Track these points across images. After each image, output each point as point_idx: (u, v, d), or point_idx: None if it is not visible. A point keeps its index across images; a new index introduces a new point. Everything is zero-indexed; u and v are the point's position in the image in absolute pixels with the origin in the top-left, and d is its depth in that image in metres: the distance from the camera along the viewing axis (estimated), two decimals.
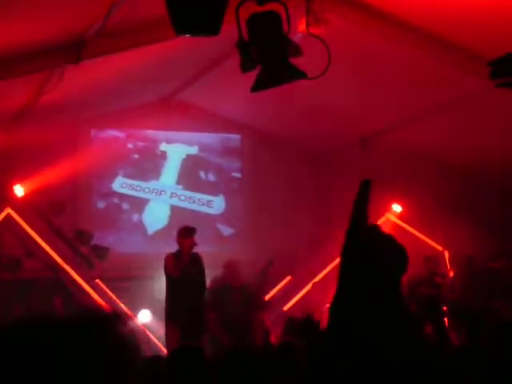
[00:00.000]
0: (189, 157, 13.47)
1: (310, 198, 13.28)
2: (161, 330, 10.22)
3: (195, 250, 9.55)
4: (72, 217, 12.03)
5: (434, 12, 7.83)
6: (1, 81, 8.15)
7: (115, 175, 13.02)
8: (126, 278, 11.83)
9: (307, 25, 6.25)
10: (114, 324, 1.40)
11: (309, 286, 12.43)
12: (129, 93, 11.25)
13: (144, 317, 11.75)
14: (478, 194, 11.01)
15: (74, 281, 11.49)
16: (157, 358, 4.95)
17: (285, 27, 5.46)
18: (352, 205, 2.79)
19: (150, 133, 13.36)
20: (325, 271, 12.51)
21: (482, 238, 10.91)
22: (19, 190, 11.43)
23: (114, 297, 11.62)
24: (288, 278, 12.63)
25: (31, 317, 1.41)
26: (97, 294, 11.54)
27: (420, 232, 12.45)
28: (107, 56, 8.34)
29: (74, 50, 7.89)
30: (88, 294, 11.46)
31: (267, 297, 11.68)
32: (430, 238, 12.44)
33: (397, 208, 12.75)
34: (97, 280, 11.70)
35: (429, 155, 11.23)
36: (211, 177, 13.67)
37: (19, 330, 1.37)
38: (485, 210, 10.96)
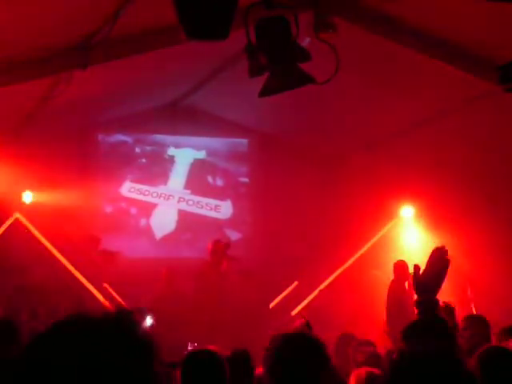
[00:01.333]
0: (196, 161, 13.47)
1: (317, 202, 13.25)
2: None
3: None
4: (80, 221, 12.04)
5: (442, 17, 7.81)
6: (9, 86, 8.16)
7: (123, 180, 13.03)
8: (133, 282, 11.82)
9: (315, 29, 6.24)
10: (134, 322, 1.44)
11: (315, 293, 12.38)
12: (136, 97, 11.27)
13: (152, 321, 11.73)
14: (489, 196, 10.93)
15: (82, 285, 11.49)
16: (171, 363, 4.95)
17: (293, 32, 5.44)
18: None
19: (158, 137, 13.37)
20: (331, 278, 12.48)
21: (497, 240, 10.83)
22: (28, 196, 11.46)
23: (121, 301, 11.60)
24: (295, 283, 12.58)
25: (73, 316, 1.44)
26: (105, 298, 11.54)
27: (430, 236, 12.40)
28: (114, 61, 8.35)
29: (81, 54, 7.90)
30: (96, 298, 11.45)
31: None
32: (440, 241, 12.38)
33: (406, 212, 12.71)
34: (104, 284, 11.70)
35: (438, 157, 11.19)
36: (219, 181, 13.67)
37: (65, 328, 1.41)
38: (498, 211, 10.88)
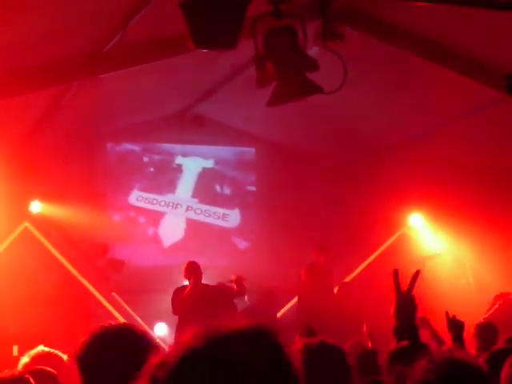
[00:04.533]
0: (204, 170, 13.50)
1: (325, 211, 13.25)
2: None
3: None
4: (88, 230, 12.06)
5: (448, 25, 7.84)
6: (18, 95, 8.22)
7: (131, 188, 13.06)
8: (141, 291, 11.85)
9: (323, 39, 6.27)
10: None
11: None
12: (144, 106, 11.31)
13: (160, 330, 11.75)
14: (499, 203, 10.90)
15: (91, 293, 11.52)
16: None
17: (301, 41, 5.47)
18: None
19: (166, 146, 13.41)
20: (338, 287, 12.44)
21: (508, 246, 10.79)
22: (36, 205, 11.49)
23: (129, 309, 11.63)
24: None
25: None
26: (113, 306, 11.57)
27: (439, 243, 12.41)
28: (124, 70, 8.39)
29: (91, 63, 7.95)
30: (104, 307, 11.48)
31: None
32: (448, 251, 12.36)
33: (414, 220, 12.70)
34: (113, 293, 11.72)
35: (446, 165, 11.19)
36: (226, 190, 13.69)
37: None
38: (508, 217, 10.84)
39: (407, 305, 2.98)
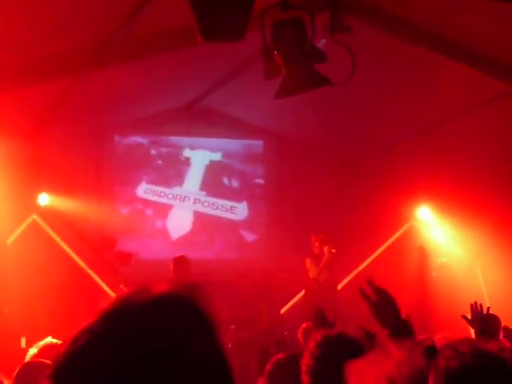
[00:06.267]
0: (212, 163, 13.50)
1: (334, 203, 13.24)
2: None
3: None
4: (96, 222, 12.08)
5: (456, 19, 7.80)
6: (26, 87, 8.22)
7: (139, 181, 13.07)
8: (149, 284, 11.84)
9: (331, 31, 6.24)
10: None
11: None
12: (152, 99, 11.31)
13: None
14: (506, 195, 10.86)
15: (98, 286, 11.54)
16: None
17: (309, 33, 5.45)
18: None
19: (174, 139, 13.41)
20: (346, 280, 12.44)
21: None
22: (44, 198, 11.51)
23: None
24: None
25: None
26: None
27: (446, 239, 12.37)
28: (131, 62, 8.39)
29: (98, 55, 7.94)
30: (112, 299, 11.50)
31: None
32: (457, 245, 12.33)
33: (422, 213, 12.68)
34: (121, 285, 11.73)
35: (454, 158, 11.16)
36: (234, 183, 13.68)
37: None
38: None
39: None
